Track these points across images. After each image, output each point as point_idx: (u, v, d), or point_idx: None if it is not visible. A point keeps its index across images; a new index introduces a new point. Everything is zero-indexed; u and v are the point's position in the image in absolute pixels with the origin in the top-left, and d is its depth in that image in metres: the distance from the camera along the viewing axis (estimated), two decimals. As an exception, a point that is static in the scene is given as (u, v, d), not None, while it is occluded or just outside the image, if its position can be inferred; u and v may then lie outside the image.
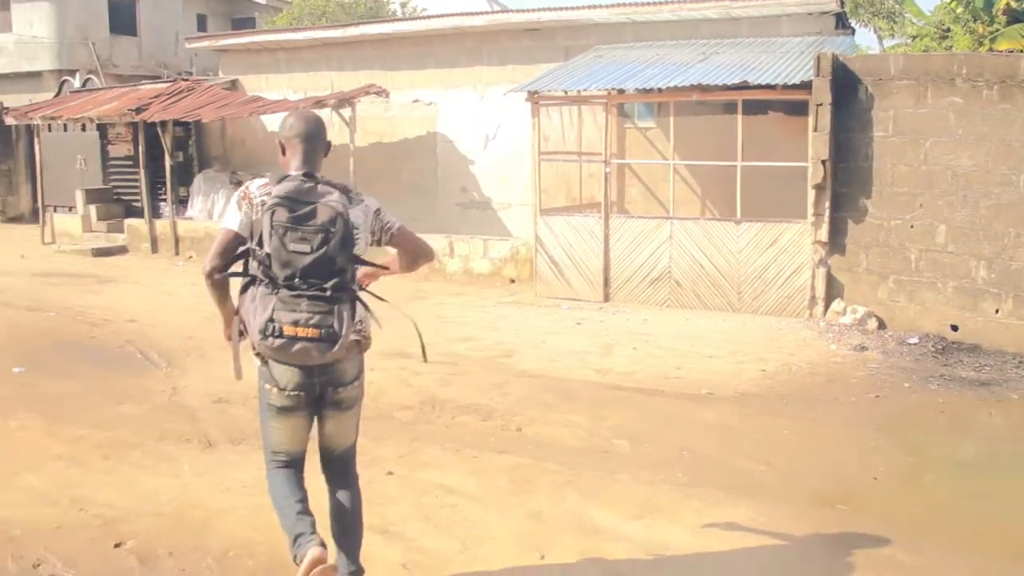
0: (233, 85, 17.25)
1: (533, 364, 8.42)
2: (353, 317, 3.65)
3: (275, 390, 3.73)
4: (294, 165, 3.76)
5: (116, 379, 8.03)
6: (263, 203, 3.61)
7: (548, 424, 6.65)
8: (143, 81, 20.40)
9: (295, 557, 3.71)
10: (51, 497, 5.30)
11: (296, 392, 3.71)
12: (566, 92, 11.67)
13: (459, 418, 6.84)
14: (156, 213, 16.52)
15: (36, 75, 26.30)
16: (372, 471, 5.67)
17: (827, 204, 10.02)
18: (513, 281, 12.74)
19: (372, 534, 4.73)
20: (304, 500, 3.88)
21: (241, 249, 3.71)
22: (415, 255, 4.05)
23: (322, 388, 3.75)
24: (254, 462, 5.81)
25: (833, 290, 10.17)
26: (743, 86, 10.37)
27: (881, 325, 9.67)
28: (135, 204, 17.74)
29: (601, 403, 7.17)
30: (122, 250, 16.68)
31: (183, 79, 17.78)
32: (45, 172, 18.83)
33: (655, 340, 9.28)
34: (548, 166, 12.30)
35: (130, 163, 18.16)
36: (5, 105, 21.47)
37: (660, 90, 10.93)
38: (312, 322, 3.52)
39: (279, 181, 3.65)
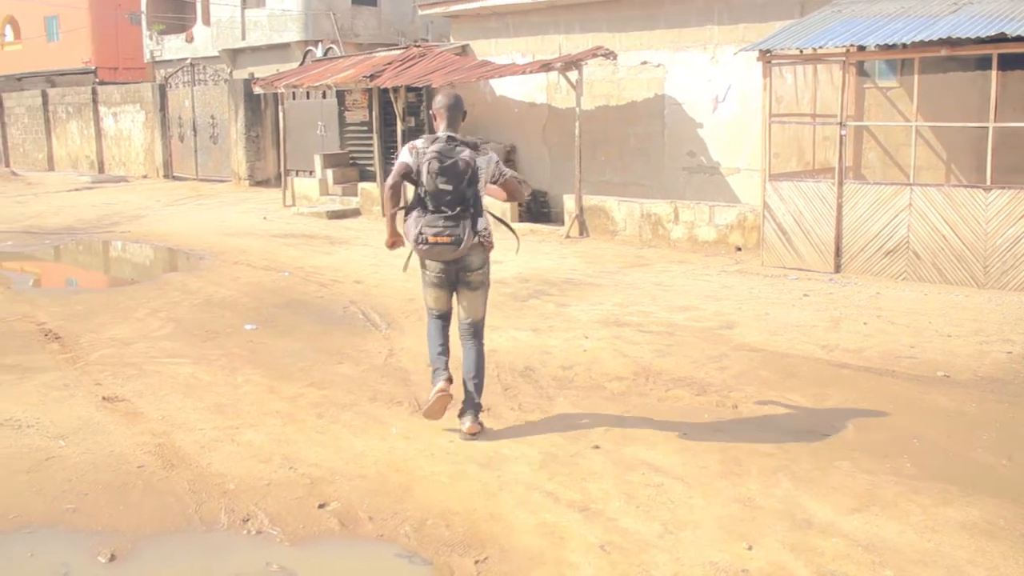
0: (463, 50, 17.43)
1: (754, 337, 8.02)
2: (475, 227, 5.47)
3: (427, 272, 5.72)
4: (442, 127, 5.60)
5: (338, 338, 8.27)
6: (423, 154, 5.47)
7: (766, 402, 6.29)
8: (378, 49, 21.02)
9: (432, 378, 5.77)
10: (265, 453, 5.47)
11: (440, 274, 5.68)
12: (800, 50, 11.03)
13: (672, 391, 6.59)
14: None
15: (284, 46, 27.77)
16: (578, 444, 5.55)
17: (1094, 169, 9.03)
18: (739, 249, 12.27)
19: (571, 511, 4.62)
20: (444, 344, 5.84)
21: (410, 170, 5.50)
22: (511, 194, 5.88)
23: (456, 272, 5.65)
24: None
25: (1098, 265, 9.17)
26: (1000, 38, 9.44)
27: None
28: (369, 168, 18.36)
29: (824, 382, 6.72)
30: (355, 213, 17.31)
31: (416, 46, 18.13)
32: (288, 138, 19.82)
33: (887, 315, 8.65)
34: (779, 129, 11.72)
35: (365, 128, 18.81)
36: (255, 76, 22.70)
37: (904, 45, 10.14)
38: (445, 232, 5.42)
39: (433, 141, 5.52)
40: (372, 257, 12.61)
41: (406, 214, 5.57)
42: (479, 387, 5.76)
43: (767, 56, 11.16)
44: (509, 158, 16.65)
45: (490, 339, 7.90)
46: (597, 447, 5.51)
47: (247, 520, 4.61)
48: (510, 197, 5.93)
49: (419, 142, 5.56)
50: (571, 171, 14.54)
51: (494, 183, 5.69)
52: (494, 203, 14.55)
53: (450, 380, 5.69)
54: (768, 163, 11.31)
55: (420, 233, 5.43)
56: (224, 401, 6.50)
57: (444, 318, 5.88)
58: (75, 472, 5.25)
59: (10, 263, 13.71)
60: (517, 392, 6.60)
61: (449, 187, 5.39)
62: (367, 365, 7.40)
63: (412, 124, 17.65)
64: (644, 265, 11.66)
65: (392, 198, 5.63)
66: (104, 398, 6.59)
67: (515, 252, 6.77)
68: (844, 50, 10.68)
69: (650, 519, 4.52)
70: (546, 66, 14.39)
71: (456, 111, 5.60)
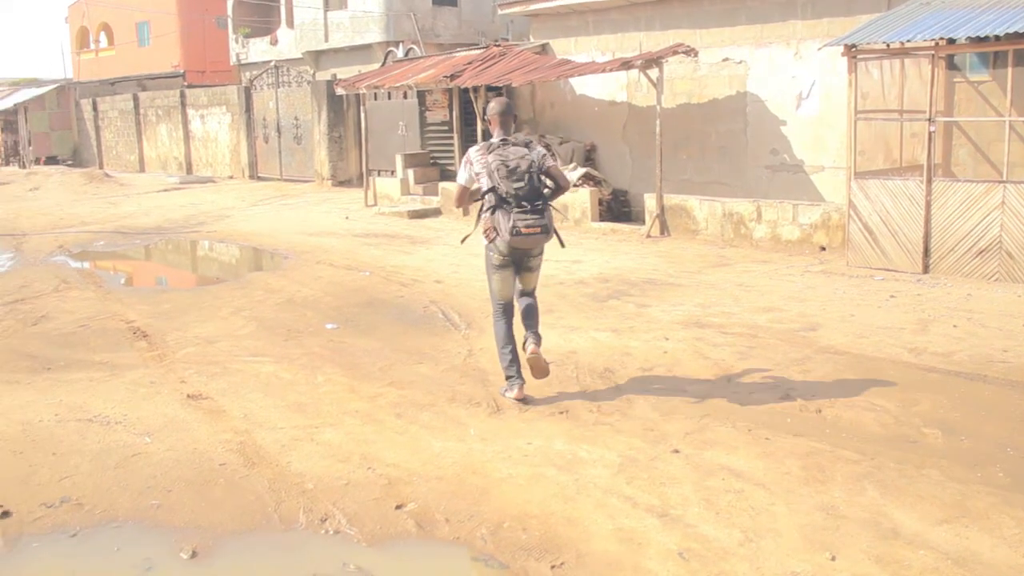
0: (543, 49, 17.39)
1: (839, 339, 7.84)
2: (551, 220, 6.30)
3: (496, 255, 6.40)
4: (496, 133, 6.40)
5: (417, 338, 8.30)
6: (483, 163, 6.26)
7: (850, 407, 6.13)
8: (459, 49, 21.10)
9: (507, 385, 6.49)
10: (344, 453, 5.51)
11: (507, 257, 6.40)
12: (887, 44, 10.76)
13: (754, 395, 6.47)
14: (468, 177, 17.00)
15: (366, 48, 28.03)
16: (658, 448, 5.48)
17: None
18: (823, 249, 12.02)
19: (649, 516, 4.56)
20: (514, 347, 6.52)
21: (486, 191, 6.24)
22: (557, 182, 6.47)
23: (520, 256, 6.43)
24: (540, 430, 5.81)
25: None
26: (1100, 30, 9.10)
27: None
28: (450, 168, 18.43)
29: (912, 386, 6.53)
30: (436, 212, 17.38)
31: (495, 45, 18.16)
32: (370, 138, 20.01)
33: (979, 318, 8.38)
34: (865, 126, 11.44)
35: (445, 128, 18.91)
36: (338, 77, 22.96)
37: (997, 37, 9.81)
38: (536, 224, 6.16)
39: (489, 149, 6.30)
40: (452, 257, 12.64)
41: (491, 211, 6.25)
42: (535, 322, 6.57)
43: (852, 51, 10.91)
44: (589, 157, 16.57)
45: (569, 340, 7.92)
46: (677, 451, 5.43)
47: (325, 520, 4.64)
48: (555, 188, 6.59)
49: (473, 153, 6.39)
50: (652, 170, 14.41)
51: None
52: (575, 201, 14.54)
53: (523, 380, 6.48)
54: (853, 161, 11.06)
55: (514, 226, 6.14)
56: (304, 400, 6.57)
57: (509, 311, 6.64)
58: (159, 468, 5.36)
59: (102, 262, 14.09)
60: (596, 394, 6.55)
61: (522, 184, 6.17)
62: (446, 365, 7.41)
63: (492, 123, 17.64)
64: (726, 265, 11.49)
65: (464, 208, 6.69)
66: (188, 396, 6.71)
67: (561, 247, 6.97)
68: (933, 43, 10.38)
69: (730, 526, 4.43)
70: (626, 64, 14.28)
71: (508, 116, 6.47)
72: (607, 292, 9.99)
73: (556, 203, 6.92)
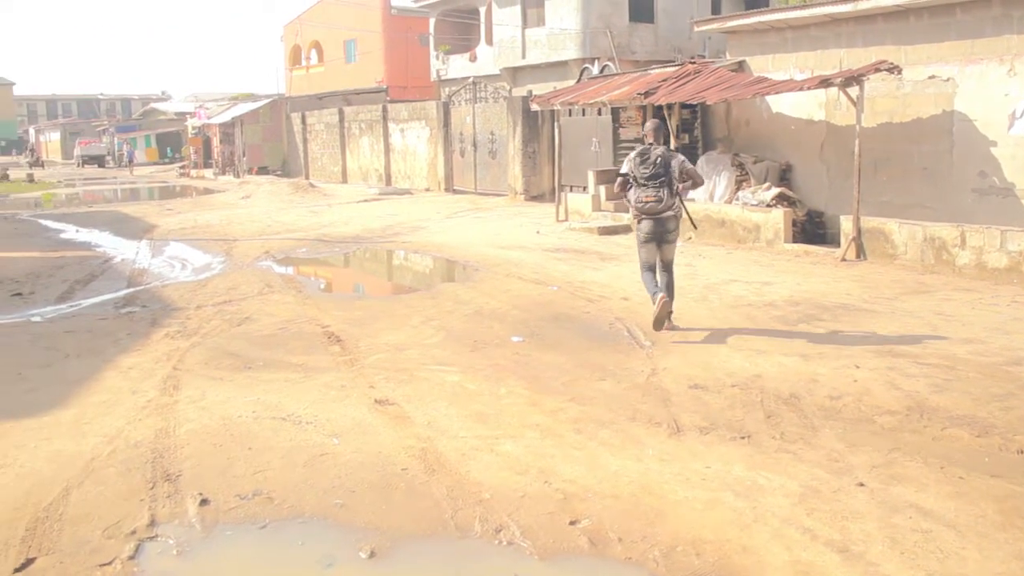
0: (739, 66, 17.11)
1: (1047, 376, 7.37)
2: (671, 198, 8.74)
3: (642, 233, 8.96)
4: (648, 142, 8.92)
5: (601, 355, 8.32)
6: (632, 158, 8.85)
7: (1057, 449, 5.75)
8: (654, 66, 21.03)
9: (652, 300, 8.92)
10: (522, 465, 5.59)
11: (649, 233, 8.92)
12: (1114, 63, 10.06)
13: (949, 430, 6.15)
14: (658, 194, 16.88)
15: (562, 64, 28.38)
16: (842, 480, 5.31)
17: None
18: (1034, 278, 11.32)
19: (828, 551, 4.42)
20: (657, 282, 9.02)
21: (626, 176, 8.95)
22: (692, 180, 8.98)
23: (660, 233, 8.91)
24: (720, 454, 5.73)
25: None
26: None
27: None
28: (640, 185, 18.34)
29: None
30: (626, 229, 17.31)
31: (691, 62, 17.99)
32: (563, 154, 20.19)
33: None
34: (1086, 148, 10.71)
35: (638, 145, 18.84)
36: (533, 93, 23.30)
37: None
38: (653, 195, 8.72)
39: (640, 151, 8.84)
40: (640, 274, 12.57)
41: (628, 188, 8.96)
42: (672, 292, 9.08)
43: (1074, 69, 10.24)
44: (784, 176, 16.19)
45: (755, 363, 7.79)
46: (862, 484, 5.23)
47: (499, 530, 4.72)
48: (692, 185, 9.14)
49: (633, 153, 8.95)
50: (849, 191, 13.95)
51: (678, 176, 8.80)
52: (767, 222, 14.20)
53: (665, 296, 8.84)
54: (1072, 186, 10.37)
55: (638, 197, 8.82)
56: (487, 411, 6.70)
57: (652, 268, 9.08)
58: (345, 470, 5.59)
59: (303, 268, 14.79)
60: (780, 420, 6.39)
61: (647, 170, 8.71)
62: (629, 383, 7.40)
63: (686, 141, 17.51)
64: (925, 292, 10.98)
65: (621, 196, 9.23)
66: (376, 401, 6.96)
67: (693, 233, 9.95)
68: None
69: (915, 568, 4.24)
70: (825, 82, 13.87)
71: (659, 132, 9.00)
72: (797, 316, 9.73)
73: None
